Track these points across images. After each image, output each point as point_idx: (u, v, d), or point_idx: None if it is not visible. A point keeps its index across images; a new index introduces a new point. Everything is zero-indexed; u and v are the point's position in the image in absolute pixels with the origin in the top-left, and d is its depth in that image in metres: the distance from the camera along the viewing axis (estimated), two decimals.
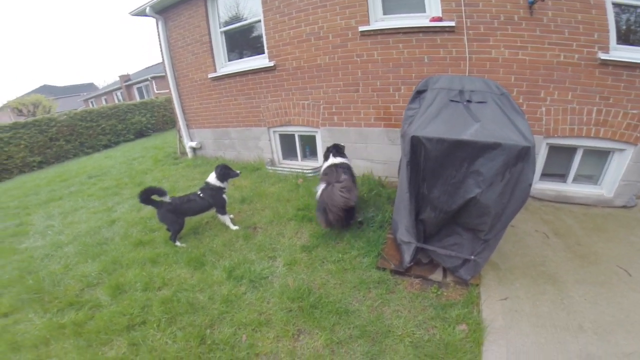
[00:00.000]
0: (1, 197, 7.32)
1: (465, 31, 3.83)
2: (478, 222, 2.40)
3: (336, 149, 3.89)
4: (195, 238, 3.74)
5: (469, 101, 2.54)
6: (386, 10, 4.39)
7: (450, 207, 2.44)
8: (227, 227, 3.86)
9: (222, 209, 3.84)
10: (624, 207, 3.82)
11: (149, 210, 4.64)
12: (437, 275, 2.75)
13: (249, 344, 2.28)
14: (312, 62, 4.94)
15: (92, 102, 31.23)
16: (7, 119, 26.54)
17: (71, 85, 43.39)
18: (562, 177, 4.17)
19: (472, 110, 2.43)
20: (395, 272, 2.82)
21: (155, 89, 23.54)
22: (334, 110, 4.99)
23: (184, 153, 7.87)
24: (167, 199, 3.54)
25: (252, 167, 5.93)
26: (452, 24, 3.83)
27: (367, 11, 4.32)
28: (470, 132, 2.21)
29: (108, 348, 2.40)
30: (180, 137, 7.79)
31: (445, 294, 2.59)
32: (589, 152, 3.95)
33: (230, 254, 3.35)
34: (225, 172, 3.86)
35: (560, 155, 4.07)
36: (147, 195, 3.46)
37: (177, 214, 3.62)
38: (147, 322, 2.57)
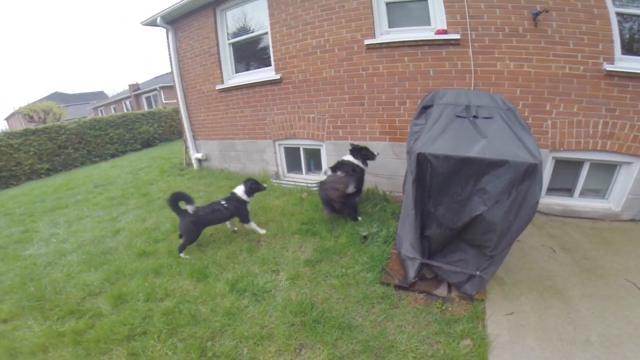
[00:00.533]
0: (8, 203, 7.38)
1: (470, 44, 3.85)
2: (484, 239, 2.38)
3: (354, 150, 4.13)
4: (198, 250, 3.74)
5: (475, 117, 2.54)
6: (392, 24, 4.43)
7: (455, 224, 2.42)
8: (255, 232, 3.98)
9: (246, 219, 3.91)
10: (632, 220, 3.77)
11: (154, 220, 4.68)
12: (441, 291, 2.72)
13: (250, 358, 2.25)
14: (317, 75, 4.98)
15: (101, 111, 31.73)
16: (19, 125, 27.10)
17: (82, 93, 44.14)
18: (568, 191, 4.12)
19: (479, 126, 2.43)
20: (399, 287, 2.79)
21: (163, 99, 23.86)
22: (339, 123, 5.00)
23: (189, 164, 7.93)
24: (191, 208, 3.57)
25: (257, 179, 5.93)
26: (457, 36, 3.85)
27: (373, 24, 4.37)
28: (477, 149, 2.21)
29: (107, 357, 2.38)
30: (187, 148, 7.86)
31: (449, 309, 2.56)
32: (596, 166, 3.91)
33: (233, 267, 3.34)
34: (254, 187, 3.94)
35: (567, 169, 4.03)
36: (175, 200, 3.50)
37: (199, 225, 3.65)
38: (147, 332, 2.56)
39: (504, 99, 2.71)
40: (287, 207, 4.58)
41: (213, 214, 3.71)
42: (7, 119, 39.49)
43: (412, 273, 2.72)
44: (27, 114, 26.53)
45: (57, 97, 37.29)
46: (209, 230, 4.12)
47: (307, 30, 4.90)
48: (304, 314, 2.55)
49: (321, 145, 5.38)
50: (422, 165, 2.34)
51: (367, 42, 4.38)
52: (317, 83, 5.02)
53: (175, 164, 8.59)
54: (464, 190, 2.29)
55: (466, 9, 3.79)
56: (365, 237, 3.54)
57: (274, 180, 5.77)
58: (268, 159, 6.17)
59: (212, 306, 2.78)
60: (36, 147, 11.37)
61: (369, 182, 4.88)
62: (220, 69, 6.27)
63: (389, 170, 4.74)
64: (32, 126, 12.10)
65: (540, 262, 3.06)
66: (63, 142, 12.10)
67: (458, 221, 2.39)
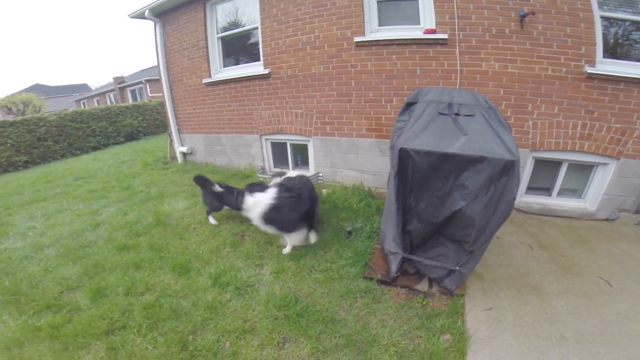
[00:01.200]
0: None
1: (457, 44, 3.90)
2: (463, 234, 2.43)
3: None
4: (181, 244, 3.69)
5: (457, 114, 2.58)
6: (382, 22, 4.46)
7: (436, 219, 2.46)
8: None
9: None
10: (606, 220, 3.90)
11: (135, 214, 4.62)
12: (423, 286, 2.76)
13: (233, 352, 2.24)
14: (306, 71, 4.97)
15: (84, 103, 30.96)
16: None
17: (64, 85, 42.98)
18: (547, 190, 4.24)
19: (460, 124, 2.47)
20: (382, 282, 2.82)
21: (149, 92, 23.41)
22: (326, 119, 5.01)
23: (174, 158, 7.81)
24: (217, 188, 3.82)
25: (242, 174, 5.90)
26: (445, 36, 3.90)
27: (363, 22, 4.38)
28: (457, 146, 2.25)
29: (85, 352, 2.34)
30: (172, 141, 7.74)
31: (430, 304, 2.59)
32: (574, 166, 4.03)
33: (216, 261, 3.31)
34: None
35: (546, 169, 4.14)
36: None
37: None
38: (127, 327, 2.52)
39: (485, 97, 2.77)
40: None
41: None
42: None
43: (394, 268, 2.75)
44: (5, 105, 25.65)
45: (37, 89, 36.19)
46: (192, 224, 4.09)
47: (297, 26, 4.87)
48: (288, 308, 2.56)
49: (308, 140, 5.38)
50: (404, 160, 2.37)
51: (356, 39, 4.39)
52: (305, 79, 5.01)
53: (159, 157, 8.44)
54: (445, 185, 2.33)
55: (455, 10, 3.83)
56: (349, 232, 3.56)
57: (260, 175, 5.74)
58: (254, 153, 6.13)
59: (193, 300, 2.75)
60: (14, 139, 10.98)
61: (354, 178, 4.91)
62: (208, 62, 6.19)
63: (375, 167, 4.77)
64: (10, 118, 11.63)
65: (519, 259, 3.13)
66: (42, 135, 11.71)
67: (438, 216, 2.43)
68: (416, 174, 2.38)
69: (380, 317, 2.47)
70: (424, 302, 2.59)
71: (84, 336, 2.44)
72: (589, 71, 3.56)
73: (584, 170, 4.03)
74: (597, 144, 3.74)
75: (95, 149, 13.21)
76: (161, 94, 7.50)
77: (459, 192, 2.29)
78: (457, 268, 2.52)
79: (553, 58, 3.67)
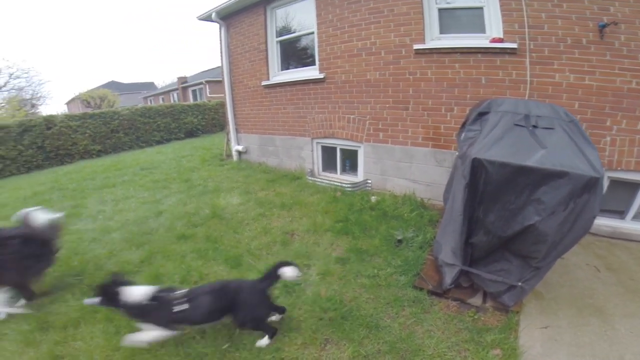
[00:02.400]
0: (62, 179, 7.98)
1: (527, 54, 3.69)
2: (532, 250, 2.30)
3: None
4: (234, 238, 3.84)
5: (534, 126, 2.45)
6: (443, 29, 4.34)
7: (505, 233, 2.35)
8: None
9: None
10: None
11: (194, 205, 4.88)
12: (476, 300, 2.65)
13: (275, 348, 2.27)
14: (361, 76, 4.98)
15: (150, 100, 33.51)
16: (77, 109, 29.34)
17: (134, 83, 46.91)
18: (620, 213, 3.84)
19: (538, 136, 2.35)
20: (432, 292, 2.74)
21: (208, 93, 24.72)
22: (380, 126, 4.96)
23: (229, 155, 8.18)
24: None
25: (292, 175, 6.04)
26: (514, 45, 3.70)
27: (423, 30, 4.30)
28: (536, 159, 2.14)
29: None
30: (228, 140, 8.11)
31: (482, 318, 2.48)
32: None
33: (266, 257, 3.40)
34: None
35: (622, 190, 3.75)
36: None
37: None
38: None
39: (565, 110, 2.60)
40: (321, 204, 4.60)
41: None
42: (67, 103, 42.74)
43: (448, 280, 2.67)
44: (85, 99, 28.66)
45: (112, 85, 39.93)
46: (245, 220, 4.25)
47: (353, 32, 4.92)
48: (332, 310, 2.56)
49: (359, 146, 5.37)
50: (477, 170, 2.29)
51: (416, 46, 4.32)
52: (360, 84, 5.02)
53: (216, 154, 8.90)
54: (518, 199, 2.23)
55: (525, 19, 3.63)
56: (399, 241, 3.49)
57: (309, 178, 5.82)
58: (305, 156, 6.24)
59: None
60: (92, 130, 12.24)
61: (406, 187, 4.81)
62: (267, 65, 6.43)
63: (429, 177, 4.63)
64: (88, 111, 13.00)
65: (583, 280, 2.93)
66: (115, 127, 12.94)
67: (508, 230, 2.32)
68: (488, 185, 2.29)
69: (428, 327, 2.40)
70: (476, 317, 2.49)
71: None
72: None
73: None
74: None
75: (158, 142, 14.28)
76: (219, 95, 7.93)
77: (533, 206, 2.18)
78: (520, 284, 2.40)
79: (638, 70, 3.34)
